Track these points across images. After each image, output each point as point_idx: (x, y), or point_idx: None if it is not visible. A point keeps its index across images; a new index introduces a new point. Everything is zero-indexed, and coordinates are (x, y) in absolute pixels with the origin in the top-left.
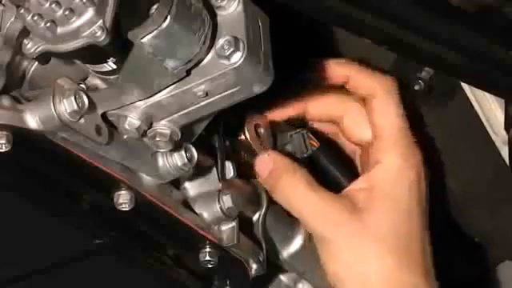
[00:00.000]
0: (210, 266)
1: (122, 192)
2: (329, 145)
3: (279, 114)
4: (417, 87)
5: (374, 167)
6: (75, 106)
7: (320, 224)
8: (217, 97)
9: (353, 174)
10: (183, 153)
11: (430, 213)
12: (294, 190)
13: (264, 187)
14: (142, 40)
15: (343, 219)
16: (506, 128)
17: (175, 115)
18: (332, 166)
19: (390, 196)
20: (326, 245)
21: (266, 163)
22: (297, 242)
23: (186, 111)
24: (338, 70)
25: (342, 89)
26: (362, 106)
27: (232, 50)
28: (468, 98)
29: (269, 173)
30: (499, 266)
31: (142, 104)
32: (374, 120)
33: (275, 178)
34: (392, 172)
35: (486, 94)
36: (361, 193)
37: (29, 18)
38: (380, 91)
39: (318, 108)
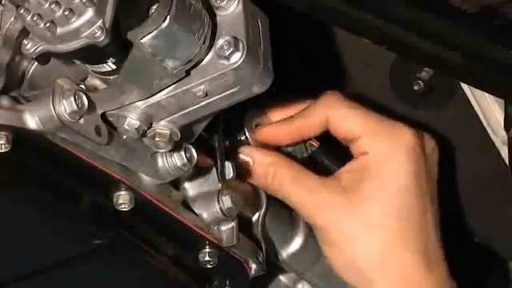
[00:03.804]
0: (210, 266)
1: (122, 192)
2: (328, 144)
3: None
4: (416, 87)
5: (362, 156)
6: (75, 107)
7: (310, 208)
8: (216, 97)
9: None
10: (183, 153)
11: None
12: (279, 179)
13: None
14: (142, 40)
15: (331, 201)
16: (506, 128)
17: (175, 115)
18: (332, 166)
19: (377, 176)
20: (321, 231)
21: (246, 161)
22: (296, 243)
23: (185, 111)
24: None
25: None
26: (339, 100)
27: (231, 50)
28: (468, 99)
29: (252, 170)
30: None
31: (141, 104)
32: (339, 129)
33: (260, 175)
34: (379, 156)
35: (486, 94)
36: (348, 175)
37: (28, 18)
38: (328, 116)
39: (307, 129)
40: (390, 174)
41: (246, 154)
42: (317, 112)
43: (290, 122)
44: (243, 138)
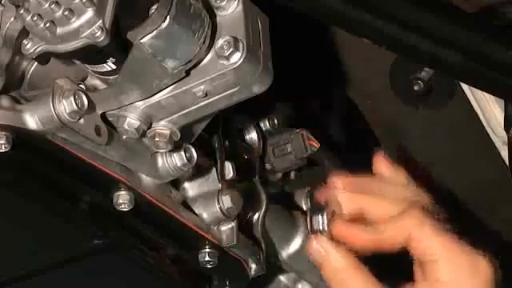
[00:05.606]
0: (210, 267)
1: (122, 192)
2: (329, 145)
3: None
4: (417, 87)
5: (436, 282)
6: (75, 107)
7: None
8: (216, 97)
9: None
10: (183, 153)
11: None
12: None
13: (263, 188)
14: (142, 40)
15: None
16: (506, 128)
17: (175, 115)
18: (332, 167)
19: None
20: None
21: (318, 251)
22: (296, 243)
23: (185, 111)
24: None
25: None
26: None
27: (231, 50)
28: (468, 99)
29: (323, 264)
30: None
31: (141, 104)
32: (417, 247)
33: (328, 274)
34: (455, 285)
35: (486, 94)
36: None
37: (28, 18)
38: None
39: (388, 244)
40: None
41: (321, 246)
42: (403, 229)
43: (373, 234)
44: (321, 228)
